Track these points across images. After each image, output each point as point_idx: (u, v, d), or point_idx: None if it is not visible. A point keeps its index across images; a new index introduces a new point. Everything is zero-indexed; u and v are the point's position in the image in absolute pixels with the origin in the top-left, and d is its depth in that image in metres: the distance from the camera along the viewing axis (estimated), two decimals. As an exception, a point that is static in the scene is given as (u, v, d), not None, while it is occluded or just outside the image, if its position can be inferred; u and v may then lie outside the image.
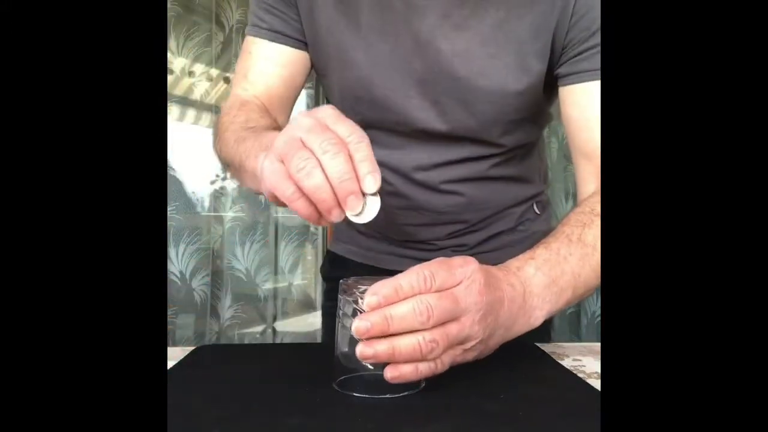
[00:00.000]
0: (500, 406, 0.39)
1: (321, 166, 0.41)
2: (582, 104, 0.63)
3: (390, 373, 0.40)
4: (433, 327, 0.40)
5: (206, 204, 2.03)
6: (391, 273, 0.43)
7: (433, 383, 0.42)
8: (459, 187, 0.71)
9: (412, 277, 0.40)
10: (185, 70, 1.97)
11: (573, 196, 2.12)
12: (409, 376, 0.40)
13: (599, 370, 0.49)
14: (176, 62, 1.94)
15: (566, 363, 0.51)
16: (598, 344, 0.58)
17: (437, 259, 0.43)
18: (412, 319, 0.39)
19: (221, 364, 0.50)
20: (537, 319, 0.49)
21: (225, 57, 2.04)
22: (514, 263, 0.50)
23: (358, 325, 0.39)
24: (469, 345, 0.43)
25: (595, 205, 0.58)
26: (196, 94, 2.00)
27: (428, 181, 0.70)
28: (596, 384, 0.44)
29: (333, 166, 0.41)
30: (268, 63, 0.70)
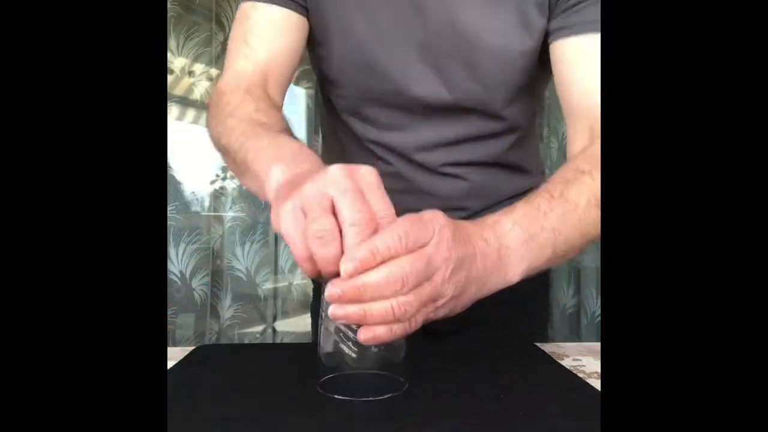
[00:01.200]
0: (500, 406, 0.39)
1: (341, 237, 0.39)
2: (572, 59, 0.62)
3: (363, 335, 0.39)
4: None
5: (206, 204, 2.03)
6: None
7: (433, 383, 0.42)
8: (461, 171, 0.70)
9: (387, 237, 0.38)
10: (185, 70, 1.97)
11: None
12: (383, 338, 0.39)
13: (599, 370, 0.49)
14: (176, 62, 1.94)
15: (566, 363, 0.51)
16: (598, 344, 0.58)
17: (407, 215, 0.41)
18: (386, 288, 0.38)
19: (221, 364, 0.50)
20: (514, 276, 0.47)
21: (225, 57, 2.04)
22: (490, 217, 0.48)
23: (330, 292, 0.38)
24: (440, 302, 0.41)
25: (581, 162, 0.56)
26: (196, 94, 2.00)
27: (430, 162, 0.70)
28: (596, 384, 0.44)
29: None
30: (270, 27, 0.68)
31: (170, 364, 0.50)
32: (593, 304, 2.10)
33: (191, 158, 1.93)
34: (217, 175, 2.02)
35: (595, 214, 0.52)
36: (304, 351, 0.56)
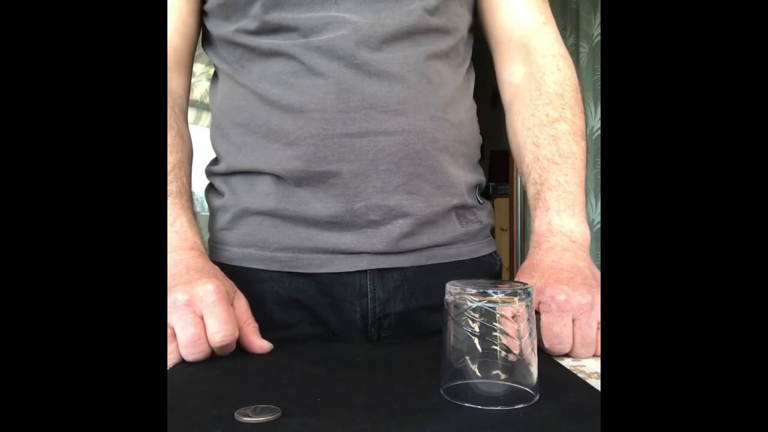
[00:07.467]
0: (500, 405, 0.39)
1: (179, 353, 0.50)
2: None
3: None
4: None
5: (206, 204, 2.02)
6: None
7: (432, 382, 0.42)
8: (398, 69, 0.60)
9: None
10: (185, 70, 1.97)
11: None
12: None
13: (599, 370, 0.49)
14: (176, 62, 1.94)
15: (566, 363, 0.51)
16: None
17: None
18: None
19: (221, 364, 0.50)
20: (585, 233, 0.59)
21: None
22: (542, 226, 0.60)
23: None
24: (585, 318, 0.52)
25: (549, 110, 0.63)
26: (196, 94, 2.00)
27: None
28: (596, 384, 0.44)
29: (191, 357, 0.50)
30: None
31: (170, 364, 0.50)
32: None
33: (191, 158, 1.93)
34: (217, 175, 2.02)
35: (584, 143, 0.63)
36: (305, 350, 0.56)
